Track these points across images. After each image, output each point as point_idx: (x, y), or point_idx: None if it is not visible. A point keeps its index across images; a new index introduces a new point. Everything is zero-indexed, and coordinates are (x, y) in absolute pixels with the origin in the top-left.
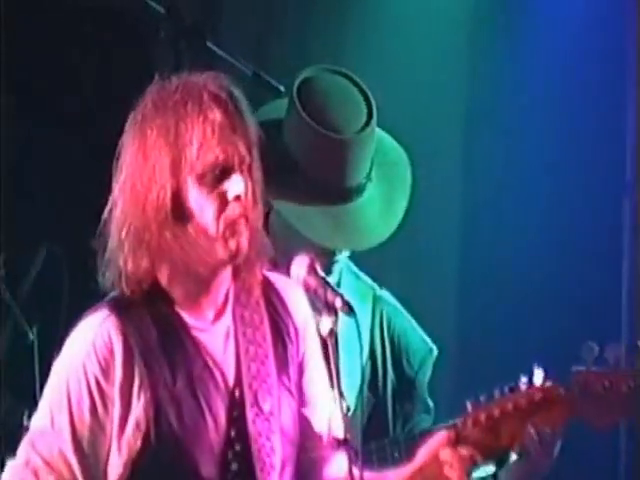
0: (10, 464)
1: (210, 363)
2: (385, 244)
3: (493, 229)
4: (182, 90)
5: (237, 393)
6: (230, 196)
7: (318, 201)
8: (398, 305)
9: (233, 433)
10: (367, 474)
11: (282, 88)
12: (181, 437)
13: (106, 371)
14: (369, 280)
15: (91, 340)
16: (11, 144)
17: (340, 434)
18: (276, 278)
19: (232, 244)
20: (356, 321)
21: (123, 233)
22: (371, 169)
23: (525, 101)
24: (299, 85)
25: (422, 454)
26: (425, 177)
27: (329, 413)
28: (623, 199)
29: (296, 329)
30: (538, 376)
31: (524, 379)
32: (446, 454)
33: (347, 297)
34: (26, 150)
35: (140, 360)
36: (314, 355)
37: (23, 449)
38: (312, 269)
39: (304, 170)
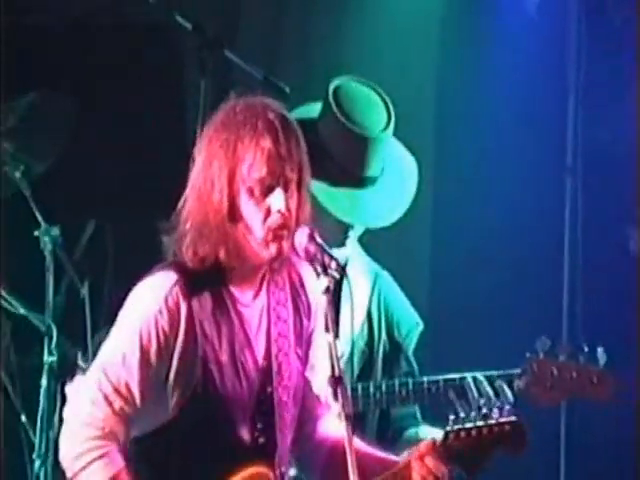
0: (80, 380)
1: (250, 335)
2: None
3: (462, 218)
4: (244, 113)
5: (266, 363)
6: (273, 209)
7: (343, 184)
8: (394, 283)
9: (262, 397)
10: (358, 442)
11: (287, 90)
12: (221, 395)
13: (172, 328)
14: (372, 260)
15: (163, 298)
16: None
17: (335, 372)
18: (297, 260)
19: (273, 248)
20: (348, 282)
21: (187, 225)
22: (383, 165)
23: (488, 100)
24: (333, 91)
25: (403, 458)
26: None
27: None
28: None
29: (309, 306)
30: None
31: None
32: (418, 465)
33: (340, 262)
34: (88, 147)
35: (198, 325)
36: (321, 329)
37: (95, 373)
38: (312, 238)
39: (336, 159)
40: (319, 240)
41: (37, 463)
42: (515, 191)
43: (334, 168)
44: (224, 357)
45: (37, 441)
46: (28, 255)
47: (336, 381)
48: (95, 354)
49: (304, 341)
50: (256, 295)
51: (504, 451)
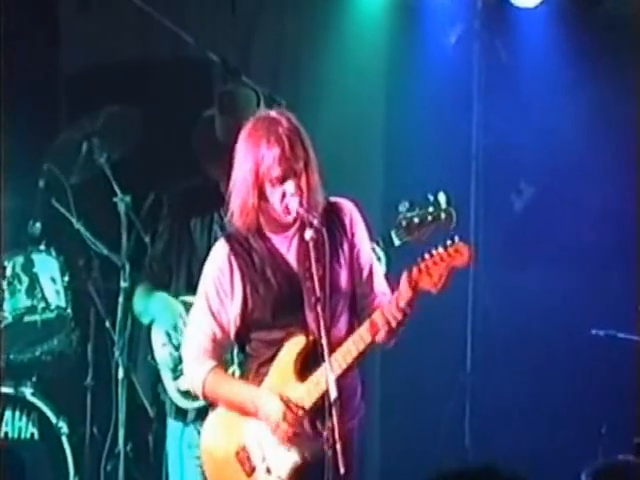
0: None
1: (284, 258)
2: None
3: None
4: (265, 124)
5: (296, 269)
6: (287, 193)
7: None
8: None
9: (294, 293)
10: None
11: (284, 102)
12: (265, 303)
13: (226, 279)
14: None
15: (218, 261)
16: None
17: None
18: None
19: (289, 218)
20: (322, 234)
21: (234, 207)
22: None
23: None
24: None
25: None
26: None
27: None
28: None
29: (344, 224)
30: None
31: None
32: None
33: (318, 218)
34: (150, 144)
35: (242, 274)
36: (362, 238)
37: (203, 318)
38: (301, 204)
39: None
40: (305, 205)
41: (117, 353)
42: (434, 173)
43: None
44: (267, 287)
45: (117, 338)
46: (110, 215)
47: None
48: (153, 281)
49: (345, 247)
50: (288, 237)
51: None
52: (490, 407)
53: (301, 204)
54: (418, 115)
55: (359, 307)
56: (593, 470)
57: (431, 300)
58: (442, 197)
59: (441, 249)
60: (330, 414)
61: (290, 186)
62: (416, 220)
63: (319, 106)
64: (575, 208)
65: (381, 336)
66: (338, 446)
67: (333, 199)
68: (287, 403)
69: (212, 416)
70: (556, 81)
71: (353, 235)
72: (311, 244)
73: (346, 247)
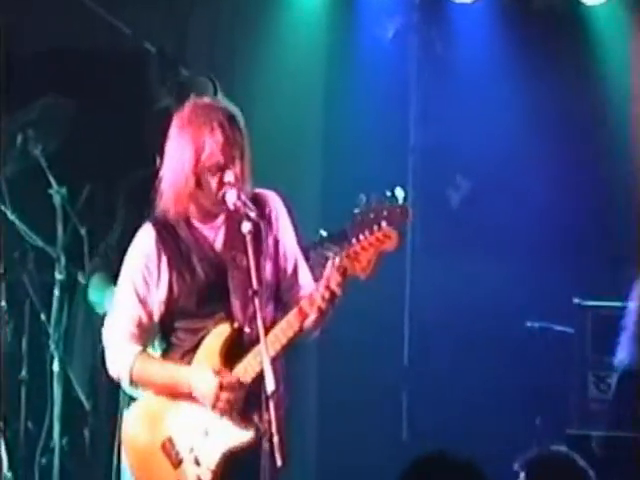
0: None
1: (211, 247)
2: None
3: None
4: (204, 115)
5: (222, 259)
6: (225, 181)
7: None
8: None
9: (220, 282)
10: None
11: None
12: (191, 291)
13: (153, 264)
14: None
15: (145, 246)
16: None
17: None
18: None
19: (224, 208)
20: (259, 225)
21: (165, 190)
22: None
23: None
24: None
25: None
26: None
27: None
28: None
29: (270, 216)
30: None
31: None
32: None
33: (255, 212)
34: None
35: (168, 261)
36: (286, 230)
37: (129, 302)
38: (239, 197)
39: None
40: (243, 197)
41: (52, 347)
42: (372, 168)
43: None
44: (189, 272)
45: (52, 331)
46: (46, 207)
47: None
48: (90, 274)
49: (270, 240)
50: (215, 227)
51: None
52: (427, 398)
53: (239, 196)
54: (356, 109)
55: (284, 299)
56: (526, 460)
57: (369, 292)
58: (399, 192)
59: (368, 234)
60: (267, 406)
61: (229, 176)
62: (371, 215)
63: (256, 100)
64: (511, 201)
65: (309, 323)
66: (275, 439)
67: (258, 190)
68: (222, 374)
69: (134, 407)
70: (493, 75)
71: (278, 227)
72: (248, 237)
73: (271, 239)
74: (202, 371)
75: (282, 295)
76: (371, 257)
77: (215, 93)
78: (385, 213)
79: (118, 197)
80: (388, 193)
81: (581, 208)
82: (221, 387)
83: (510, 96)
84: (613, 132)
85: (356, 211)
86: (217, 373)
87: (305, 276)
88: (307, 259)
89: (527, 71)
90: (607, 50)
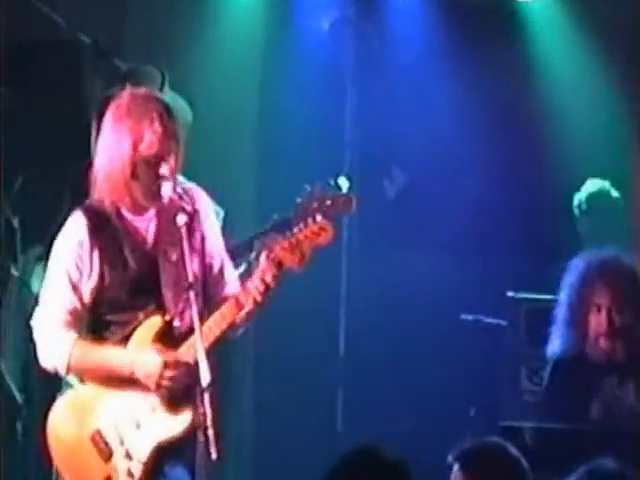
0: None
1: (143, 240)
2: None
3: None
4: (144, 101)
5: (153, 251)
6: (160, 173)
7: None
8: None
9: (151, 275)
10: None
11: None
12: (122, 282)
13: (85, 253)
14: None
15: (77, 233)
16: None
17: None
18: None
19: (158, 198)
20: (191, 219)
21: (99, 180)
22: None
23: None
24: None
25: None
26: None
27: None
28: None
29: (198, 212)
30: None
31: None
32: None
33: (192, 204)
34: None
35: (100, 250)
36: (213, 225)
37: (62, 290)
38: (175, 189)
39: None
40: (179, 190)
41: None
42: (308, 161)
43: None
44: (120, 261)
45: None
46: None
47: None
48: (23, 267)
49: (197, 235)
50: (147, 219)
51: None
52: (362, 391)
53: (174, 189)
54: (292, 102)
55: (209, 294)
56: (460, 451)
57: (305, 285)
58: (343, 182)
59: (304, 226)
60: (202, 399)
61: (165, 168)
62: (315, 205)
63: (192, 94)
64: (447, 194)
65: (242, 316)
66: (210, 431)
67: (185, 185)
68: (165, 353)
69: (61, 399)
70: (429, 68)
71: (205, 223)
72: (184, 229)
73: (198, 234)
74: (145, 351)
75: (208, 290)
76: (306, 250)
77: (163, 84)
78: (329, 202)
79: (56, 186)
80: (332, 182)
81: (515, 202)
82: (165, 365)
83: (446, 90)
84: (547, 127)
85: (299, 200)
86: (160, 352)
87: (230, 273)
88: (232, 258)
89: (462, 65)
90: (541, 45)
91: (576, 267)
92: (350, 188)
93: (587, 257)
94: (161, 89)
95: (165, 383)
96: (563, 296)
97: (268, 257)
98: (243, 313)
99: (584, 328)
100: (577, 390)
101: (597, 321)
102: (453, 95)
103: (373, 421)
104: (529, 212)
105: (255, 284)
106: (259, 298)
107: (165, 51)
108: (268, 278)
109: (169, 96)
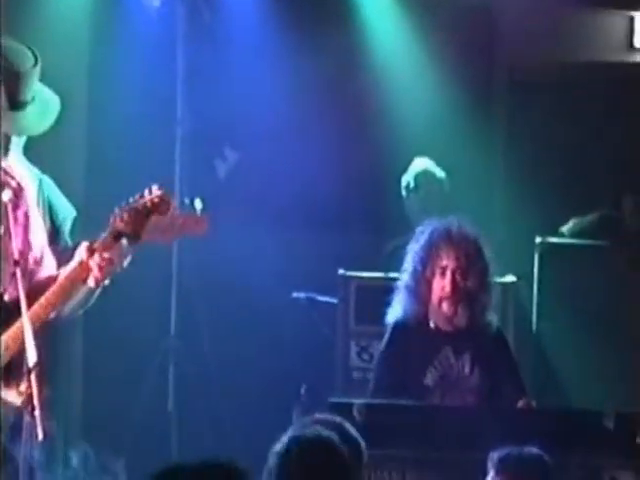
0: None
1: None
2: None
3: None
4: None
5: None
6: None
7: (9, 108)
8: (53, 184)
9: None
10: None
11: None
12: None
13: None
14: (36, 169)
15: None
16: None
17: None
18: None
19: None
20: (16, 195)
21: None
22: (33, 94)
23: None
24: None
25: (71, 264)
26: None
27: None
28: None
29: (22, 189)
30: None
31: None
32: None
33: (16, 180)
34: None
35: None
36: (33, 207)
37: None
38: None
39: (4, 89)
40: (5, 166)
41: None
42: (139, 142)
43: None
44: None
45: None
46: None
47: None
48: None
49: (20, 213)
50: None
51: (157, 217)
52: (193, 370)
53: None
54: (122, 81)
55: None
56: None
57: (135, 264)
58: (198, 203)
59: (139, 197)
60: (29, 379)
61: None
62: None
63: None
64: (280, 173)
65: (82, 291)
66: (37, 412)
67: (6, 164)
68: None
69: None
70: (262, 46)
71: (28, 202)
72: (10, 206)
73: (21, 212)
74: None
75: (29, 268)
76: (143, 221)
77: (36, 64)
78: (180, 221)
79: None
80: (187, 201)
81: (347, 181)
82: None
83: (279, 67)
84: (378, 107)
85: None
86: None
87: (49, 256)
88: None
89: (295, 42)
90: (372, 24)
91: (421, 234)
92: (203, 210)
93: (432, 224)
94: None
95: None
96: (406, 264)
97: (108, 231)
98: (80, 292)
99: (427, 294)
100: (413, 356)
101: (441, 285)
102: (285, 72)
103: (204, 400)
104: (361, 190)
105: (95, 260)
106: (99, 275)
107: None
108: (106, 253)
109: None
